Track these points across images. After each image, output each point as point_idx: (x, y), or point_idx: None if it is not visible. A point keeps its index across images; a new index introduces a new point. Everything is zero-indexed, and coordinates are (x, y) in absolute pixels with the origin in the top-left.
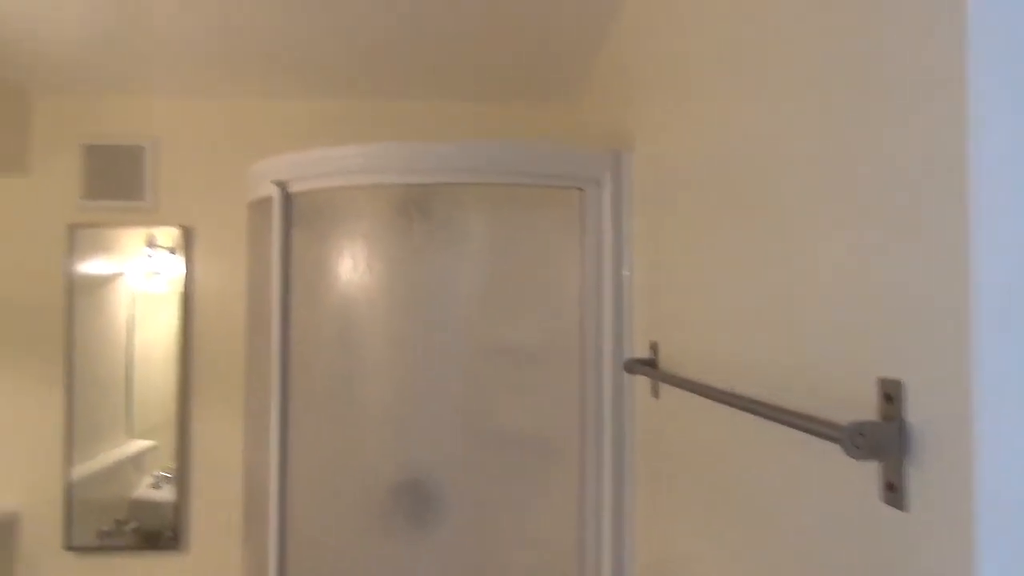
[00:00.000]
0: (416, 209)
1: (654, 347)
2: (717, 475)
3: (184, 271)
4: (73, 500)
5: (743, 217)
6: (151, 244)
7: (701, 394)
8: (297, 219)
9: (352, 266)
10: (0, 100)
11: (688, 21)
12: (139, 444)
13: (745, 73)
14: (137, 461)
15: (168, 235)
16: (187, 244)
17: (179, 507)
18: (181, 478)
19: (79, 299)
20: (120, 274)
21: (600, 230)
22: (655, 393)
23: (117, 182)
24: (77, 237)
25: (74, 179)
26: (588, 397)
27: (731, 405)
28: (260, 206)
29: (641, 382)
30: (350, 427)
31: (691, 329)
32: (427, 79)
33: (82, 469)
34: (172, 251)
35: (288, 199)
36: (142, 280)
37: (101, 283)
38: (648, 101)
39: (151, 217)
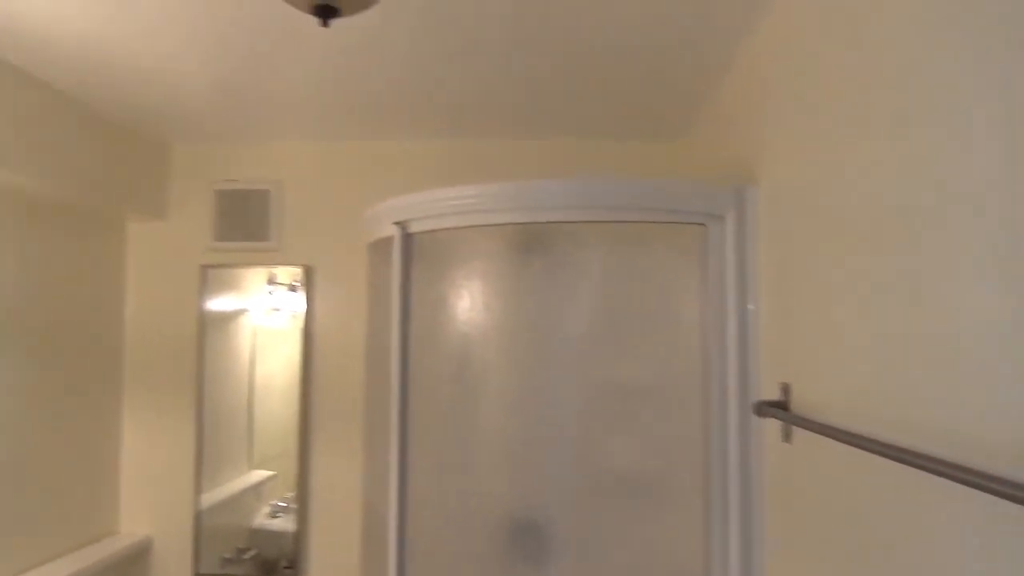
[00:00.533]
0: (534, 247)
1: (785, 388)
2: (867, 533)
3: (305, 308)
4: (201, 527)
5: (897, 255)
6: (271, 282)
7: (848, 443)
8: (416, 258)
9: (470, 304)
10: (143, 151)
11: (817, 56)
12: (259, 474)
13: (884, 107)
14: (257, 490)
15: (288, 273)
16: (308, 282)
17: (298, 537)
18: (300, 508)
19: (209, 335)
20: (244, 310)
21: (723, 266)
22: (786, 437)
23: (245, 224)
24: (208, 276)
25: (206, 222)
26: (712, 439)
27: (892, 459)
28: (380, 246)
29: (770, 425)
30: (467, 463)
31: (831, 372)
32: (543, 118)
33: (209, 497)
34: (292, 288)
35: (408, 239)
36: (263, 316)
37: (227, 319)
38: (773, 136)
39: (275, 257)
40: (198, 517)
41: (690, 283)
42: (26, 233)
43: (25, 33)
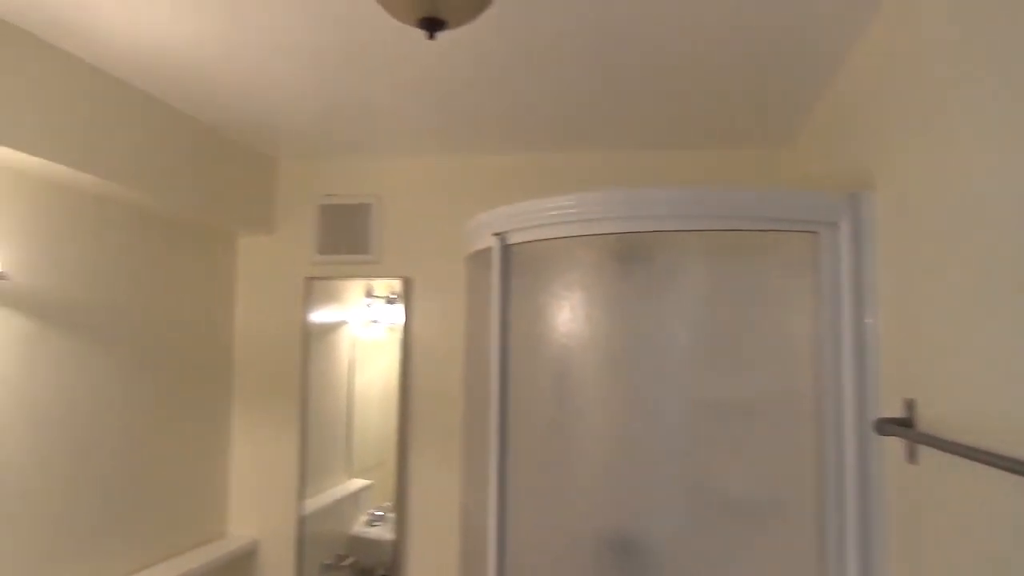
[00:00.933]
0: (635, 257)
1: (909, 405)
2: (1007, 567)
3: (404, 319)
4: (304, 533)
5: None
6: (369, 295)
7: (986, 463)
8: (515, 269)
9: (570, 315)
10: (253, 167)
11: (938, 51)
12: (357, 483)
13: (1013, 106)
14: (356, 499)
15: (385, 286)
16: (407, 294)
17: (396, 546)
18: (398, 517)
19: (312, 346)
20: (344, 322)
21: (837, 275)
22: (911, 457)
23: (346, 238)
24: (312, 289)
25: (311, 236)
26: (827, 459)
27: None
28: (479, 257)
29: (892, 444)
30: (567, 477)
31: (964, 386)
32: (644, 127)
33: (312, 503)
34: (389, 301)
35: (507, 250)
36: (362, 328)
37: (328, 331)
38: (892, 138)
39: (375, 269)
40: (301, 523)
41: (801, 294)
42: (147, 247)
43: (144, 54)
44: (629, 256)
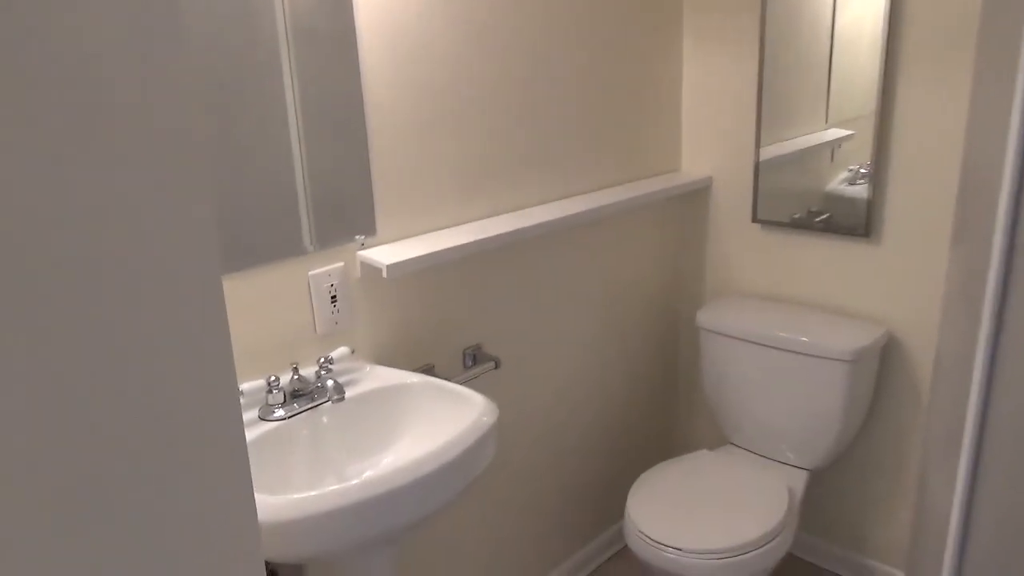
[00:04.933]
0: None
1: None
2: None
3: None
4: (760, 178)
5: None
6: None
7: None
8: None
9: None
10: None
11: None
12: (835, 132)
13: None
14: (832, 152)
15: None
16: None
17: (872, 203)
18: (876, 174)
19: None
20: None
21: None
22: None
23: None
24: None
25: None
26: None
27: None
28: None
29: None
30: None
31: None
32: None
33: (772, 150)
34: None
35: None
36: None
37: None
38: None
39: None
40: (757, 167)
41: None
42: None
43: None
44: None
